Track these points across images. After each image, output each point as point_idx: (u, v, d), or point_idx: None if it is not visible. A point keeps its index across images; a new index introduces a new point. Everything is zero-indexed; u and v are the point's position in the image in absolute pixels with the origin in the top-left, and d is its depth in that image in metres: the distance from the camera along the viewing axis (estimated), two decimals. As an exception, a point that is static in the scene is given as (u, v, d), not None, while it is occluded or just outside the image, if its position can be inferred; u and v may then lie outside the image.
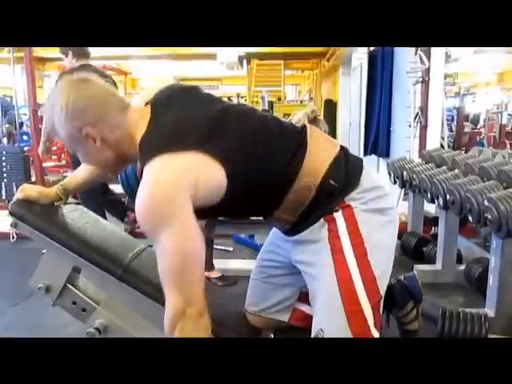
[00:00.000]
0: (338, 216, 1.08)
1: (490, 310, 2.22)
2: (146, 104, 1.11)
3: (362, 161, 1.16)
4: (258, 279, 1.41)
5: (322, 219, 1.09)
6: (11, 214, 1.29)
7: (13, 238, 3.65)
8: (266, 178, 1.05)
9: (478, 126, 9.49)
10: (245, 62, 9.27)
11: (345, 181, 1.08)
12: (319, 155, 1.09)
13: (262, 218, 1.21)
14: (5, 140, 6.31)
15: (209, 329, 1.00)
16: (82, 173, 1.40)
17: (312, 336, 1.11)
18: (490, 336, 2.03)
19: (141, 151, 1.03)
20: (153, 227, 0.93)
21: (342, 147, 1.15)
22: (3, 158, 3.62)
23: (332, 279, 1.07)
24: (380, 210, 1.11)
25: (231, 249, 3.48)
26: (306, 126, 1.15)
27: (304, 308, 1.37)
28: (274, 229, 1.34)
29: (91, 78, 1.08)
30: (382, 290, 1.10)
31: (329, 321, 1.08)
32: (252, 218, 2.76)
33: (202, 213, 0.97)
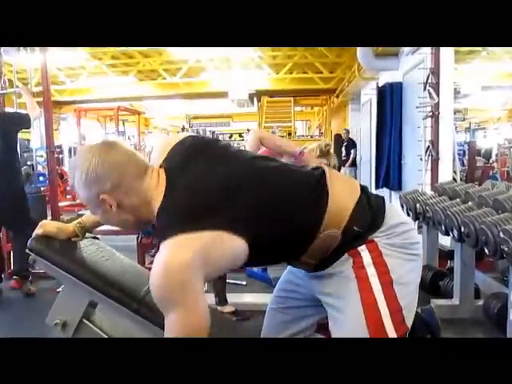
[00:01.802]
0: (363, 249, 1.07)
1: (511, 346, 2.16)
2: (161, 166, 1.14)
3: (383, 199, 1.16)
4: (275, 309, 1.39)
5: (346, 254, 1.09)
6: (30, 250, 1.32)
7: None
8: (288, 235, 1.07)
9: (491, 161, 9.46)
10: (255, 99, 9.47)
11: (369, 224, 1.08)
12: (342, 201, 1.08)
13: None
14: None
15: None
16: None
17: None
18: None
19: (157, 221, 1.07)
20: (163, 304, 0.99)
21: (362, 188, 1.15)
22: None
23: (358, 308, 1.05)
24: (405, 244, 1.10)
25: (244, 283, 3.46)
26: (324, 170, 1.14)
27: None
28: None
29: (116, 143, 1.12)
30: (408, 322, 1.08)
31: None
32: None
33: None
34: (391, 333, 1.04)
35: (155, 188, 1.08)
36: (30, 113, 3.48)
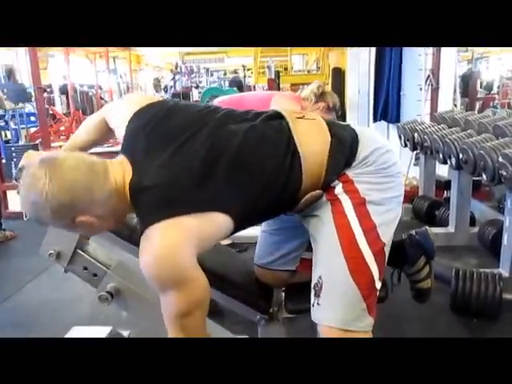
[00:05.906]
0: (336, 184, 1.08)
1: (504, 270, 2.20)
2: (122, 152, 1.05)
3: (354, 131, 1.12)
4: (266, 231, 1.41)
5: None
6: (16, 180, 1.29)
7: (25, 216, 3.70)
8: (271, 201, 1.05)
9: (492, 92, 9.26)
10: (250, 32, 9.08)
11: (344, 166, 1.08)
12: (314, 160, 1.05)
13: None
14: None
15: None
16: (81, 136, 1.37)
17: (312, 286, 1.09)
18: (505, 296, 2.01)
19: (135, 206, 1.00)
20: (159, 288, 0.96)
21: (330, 128, 1.10)
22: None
23: (331, 228, 1.06)
24: (378, 170, 1.08)
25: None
26: (288, 124, 1.08)
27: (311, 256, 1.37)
28: None
29: (60, 159, 0.96)
30: (385, 238, 1.07)
31: (329, 268, 1.07)
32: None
33: None
34: (365, 249, 1.04)
35: (122, 181, 0.99)
36: None
